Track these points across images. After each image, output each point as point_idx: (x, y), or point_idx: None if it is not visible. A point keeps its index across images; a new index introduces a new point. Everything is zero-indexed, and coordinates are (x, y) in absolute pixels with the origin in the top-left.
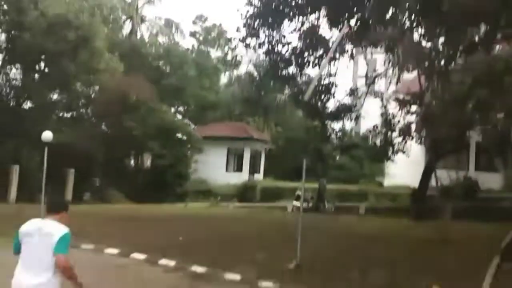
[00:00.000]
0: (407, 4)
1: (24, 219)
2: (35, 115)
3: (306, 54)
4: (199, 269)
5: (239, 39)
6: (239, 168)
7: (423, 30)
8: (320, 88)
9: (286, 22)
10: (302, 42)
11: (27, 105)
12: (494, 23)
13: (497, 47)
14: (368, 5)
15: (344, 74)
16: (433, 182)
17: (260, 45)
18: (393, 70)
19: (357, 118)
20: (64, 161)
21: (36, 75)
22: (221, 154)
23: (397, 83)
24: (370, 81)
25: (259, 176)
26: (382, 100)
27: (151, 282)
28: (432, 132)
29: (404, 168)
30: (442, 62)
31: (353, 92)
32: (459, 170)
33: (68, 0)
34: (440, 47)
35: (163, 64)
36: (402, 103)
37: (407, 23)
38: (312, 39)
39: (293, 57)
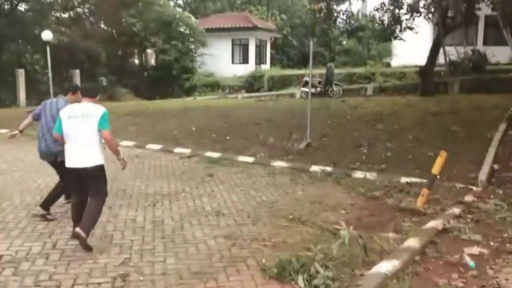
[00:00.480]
0: None
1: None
2: (32, 17)
3: None
4: (213, 154)
5: None
6: (245, 60)
7: None
8: None
9: None
10: None
11: (22, 7)
12: None
13: None
14: None
15: None
16: (441, 59)
17: None
18: None
19: None
20: (68, 63)
21: None
22: (226, 46)
23: None
24: None
25: (265, 66)
26: None
27: (169, 168)
28: (440, 6)
29: (412, 48)
30: None
31: None
32: (467, 45)
33: None
34: None
35: None
36: None
37: None
38: None
39: None
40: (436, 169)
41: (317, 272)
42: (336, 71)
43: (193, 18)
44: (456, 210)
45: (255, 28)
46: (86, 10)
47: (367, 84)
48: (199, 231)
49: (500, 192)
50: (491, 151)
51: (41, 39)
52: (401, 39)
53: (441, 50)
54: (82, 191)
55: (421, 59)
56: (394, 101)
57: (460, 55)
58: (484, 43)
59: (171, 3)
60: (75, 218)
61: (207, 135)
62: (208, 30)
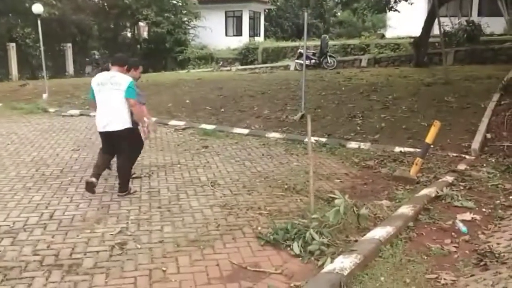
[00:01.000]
0: None
1: (31, 94)
2: None
3: None
4: (208, 127)
5: None
6: (238, 32)
7: None
8: None
9: None
10: None
11: None
12: None
13: None
14: None
15: None
16: (435, 30)
17: None
18: None
19: None
20: (59, 36)
21: None
22: (219, 18)
23: None
24: None
25: (259, 39)
26: None
27: (164, 140)
28: None
29: (407, 19)
30: None
31: None
32: (462, 16)
33: None
34: None
35: None
36: None
37: None
38: None
39: None
40: (429, 138)
41: (312, 238)
42: (330, 42)
43: None
44: (449, 178)
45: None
46: None
47: (362, 56)
48: (195, 201)
49: (493, 160)
50: (484, 121)
51: (32, 12)
52: (396, 10)
53: (436, 21)
54: (110, 152)
55: (416, 30)
56: (389, 72)
57: (454, 26)
58: (479, 14)
59: None
60: (95, 171)
61: (202, 108)
62: (201, 2)
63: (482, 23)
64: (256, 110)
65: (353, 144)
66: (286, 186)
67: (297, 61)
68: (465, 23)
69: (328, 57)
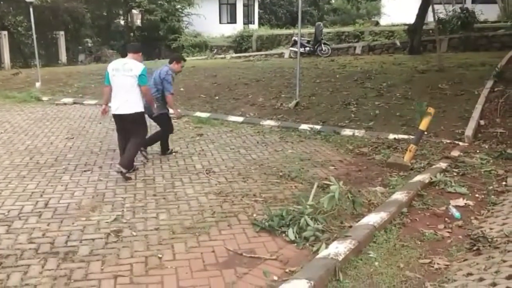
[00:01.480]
0: None
1: (24, 83)
2: None
3: None
4: (202, 114)
5: None
6: (233, 19)
7: None
8: None
9: None
10: None
11: None
12: None
13: None
14: None
15: None
16: (429, 17)
17: None
18: None
19: None
20: (52, 24)
21: None
22: (213, 6)
23: None
24: None
25: (254, 26)
26: None
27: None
28: None
29: (401, 6)
30: None
31: None
32: (456, 3)
33: None
34: None
35: None
36: None
37: None
38: None
39: None
40: (423, 125)
41: (307, 224)
42: (325, 30)
43: None
44: (443, 165)
45: None
46: None
47: (356, 43)
48: (191, 189)
49: (486, 147)
50: (478, 108)
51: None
52: None
53: (430, 8)
54: (124, 134)
55: (410, 18)
56: (383, 60)
57: (448, 13)
58: (473, 1)
59: None
60: (121, 154)
61: (196, 96)
62: None
63: (476, 10)
64: (251, 98)
65: (347, 131)
66: (281, 173)
67: (291, 48)
68: (459, 10)
69: (322, 45)
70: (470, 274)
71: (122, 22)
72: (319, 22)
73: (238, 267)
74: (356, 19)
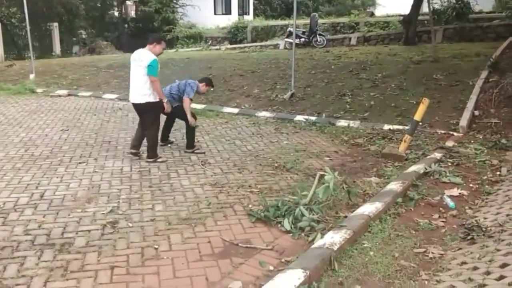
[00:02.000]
0: None
1: (18, 75)
2: None
3: None
4: (197, 106)
5: None
6: (227, 10)
7: None
8: None
9: None
10: None
11: None
12: None
13: None
14: None
15: None
16: (425, 8)
17: None
18: None
19: None
20: (46, 16)
21: None
22: None
23: None
24: None
25: (248, 17)
26: None
27: None
28: None
29: None
30: None
31: None
32: None
33: None
34: None
35: None
36: None
37: None
38: None
39: None
40: (418, 115)
41: (302, 215)
42: (320, 21)
43: None
44: (437, 155)
45: None
46: None
47: (351, 34)
48: (186, 180)
49: (480, 137)
50: (473, 98)
51: None
52: None
53: None
54: (141, 123)
55: (405, 8)
56: (378, 51)
57: (443, 4)
58: None
59: None
60: (133, 143)
61: None
62: None
63: (471, 1)
64: (246, 89)
65: (342, 122)
66: (276, 164)
67: (286, 39)
68: (454, 1)
69: (317, 36)
70: (464, 263)
71: (116, 14)
72: (314, 13)
73: (234, 257)
74: (351, 9)
